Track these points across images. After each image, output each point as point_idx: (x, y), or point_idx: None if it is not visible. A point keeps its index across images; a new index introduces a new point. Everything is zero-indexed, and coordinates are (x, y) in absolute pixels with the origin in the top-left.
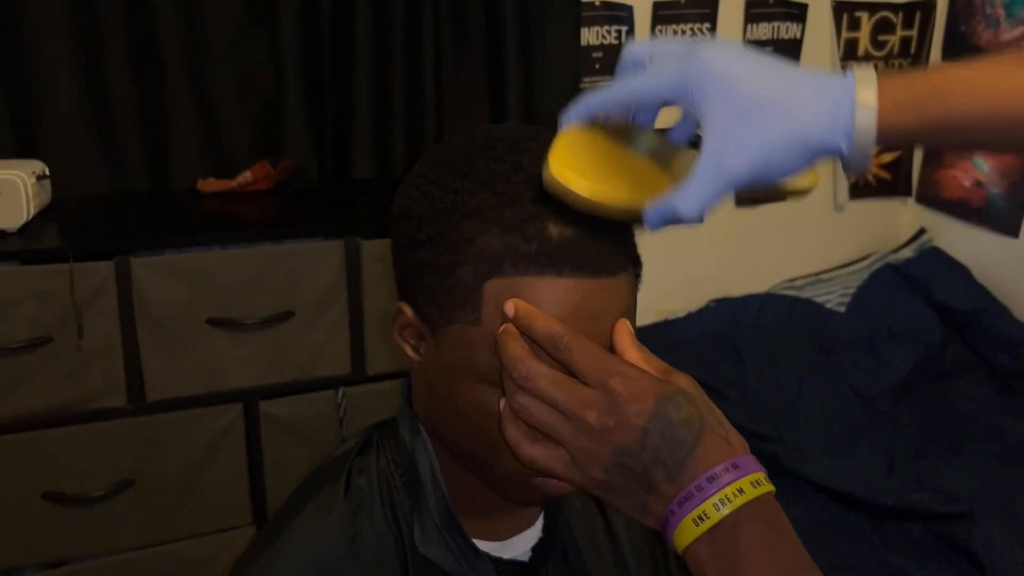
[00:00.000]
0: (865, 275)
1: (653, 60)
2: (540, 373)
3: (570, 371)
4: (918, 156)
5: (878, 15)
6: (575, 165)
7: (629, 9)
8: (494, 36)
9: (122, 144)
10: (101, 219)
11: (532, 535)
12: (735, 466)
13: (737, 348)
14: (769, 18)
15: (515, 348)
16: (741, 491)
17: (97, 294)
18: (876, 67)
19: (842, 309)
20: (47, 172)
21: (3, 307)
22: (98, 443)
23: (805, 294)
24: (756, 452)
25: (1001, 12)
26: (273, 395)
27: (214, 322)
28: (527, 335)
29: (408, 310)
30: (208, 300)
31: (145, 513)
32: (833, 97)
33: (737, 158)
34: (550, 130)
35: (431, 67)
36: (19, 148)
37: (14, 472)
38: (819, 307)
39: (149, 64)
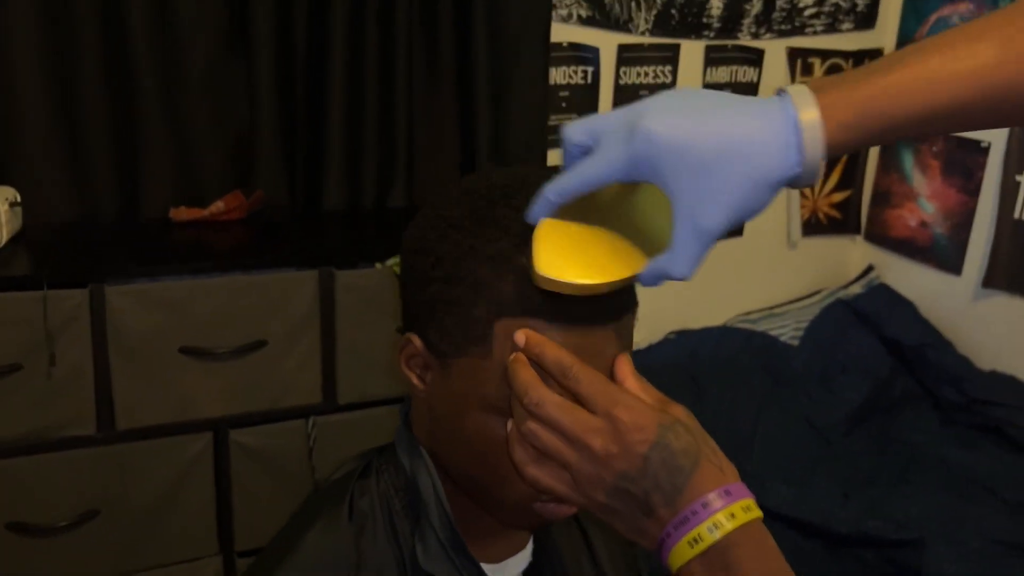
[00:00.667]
0: (817, 310)
1: (596, 141)
2: (549, 400)
3: (576, 398)
4: (867, 196)
5: (830, 61)
6: (560, 258)
7: (595, 51)
8: (465, 74)
9: (94, 172)
10: (74, 247)
11: (523, 559)
12: (727, 492)
13: (696, 379)
14: (728, 62)
15: (526, 376)
16: (733, 516)
17: (70, 322)
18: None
19: (796, 342)
20: (18, 199)
21: None
22: (65, 472)
23: (760, 327)
24: None
25: None
26: (243, 424)
27: (187, 351)
28: (536, 362)
29: (417, 341)
30: (181, 329)
31: (110, 543)
32: (780, 132)
33: (710, 216)
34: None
35: (403, 102)
36: None
37: None
38: (774, 340)
39: (123, 92)
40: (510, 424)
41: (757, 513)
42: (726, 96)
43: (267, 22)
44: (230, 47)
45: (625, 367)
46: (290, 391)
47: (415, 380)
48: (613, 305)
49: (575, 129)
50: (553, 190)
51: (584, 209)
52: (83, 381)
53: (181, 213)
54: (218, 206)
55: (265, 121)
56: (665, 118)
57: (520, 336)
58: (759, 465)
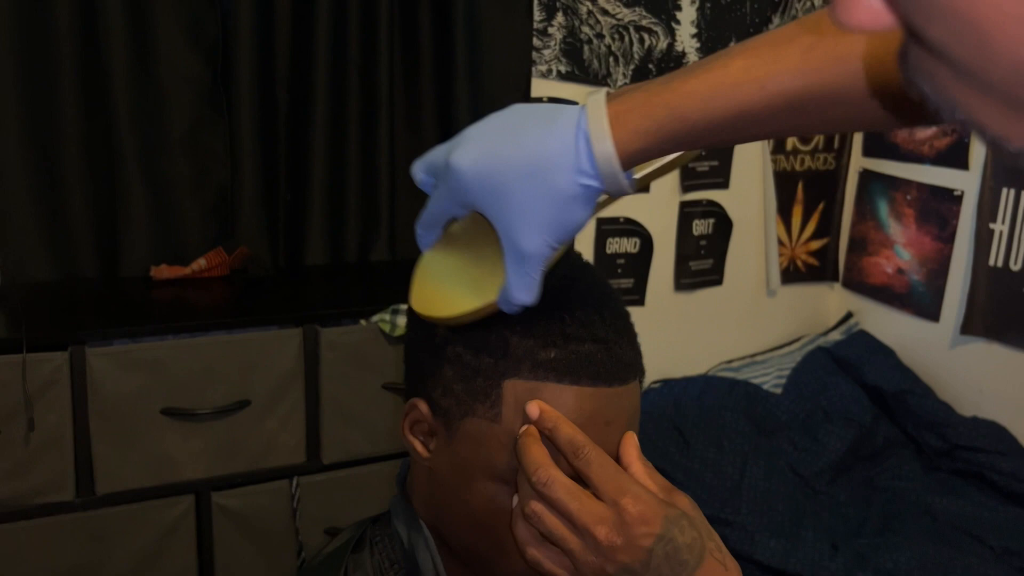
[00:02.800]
0: (798, 357)
1: (433, 176)
2: (558, 482)
3: (584, 479)
4: (844, 244)
5: None
6: (428, 290)
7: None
8: (447, 128)
9: (73, 230)
10: (53, 307)
11: None
12: None
13: (682, 430)
14: None
15: (537, 453)
16: None
17: (49, 385)
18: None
19: (778, 390)
20: None
21: None
22: (43, 540)
23: (742, 375)
24: None
25: None
26: (226, 486)
27: (168, 412)
28: (548, 437)
29: (423, 406)
30: (163, 390)
31: None
32: (571, 144)
33: (526, 238)
34: None
35: (385, 157)
36: None
37: None
38: (757, 388)
39: (103, 149)
40: (515, 498)
41: None
42: (538, 111)
43: (249, 79)
44: (211, 104)
45: (632, 450)
46: (273, 451)
47: (419, 447)
48: (621, 367)
49: (416, 168)
50: (418, 223)
51: (471, 237)
52: (62, 446)
53: (162, 271)
54: (200, 263)
55: (247, 177)
56: (470, 150)
57: (534, 408)
58: (747, 517)
